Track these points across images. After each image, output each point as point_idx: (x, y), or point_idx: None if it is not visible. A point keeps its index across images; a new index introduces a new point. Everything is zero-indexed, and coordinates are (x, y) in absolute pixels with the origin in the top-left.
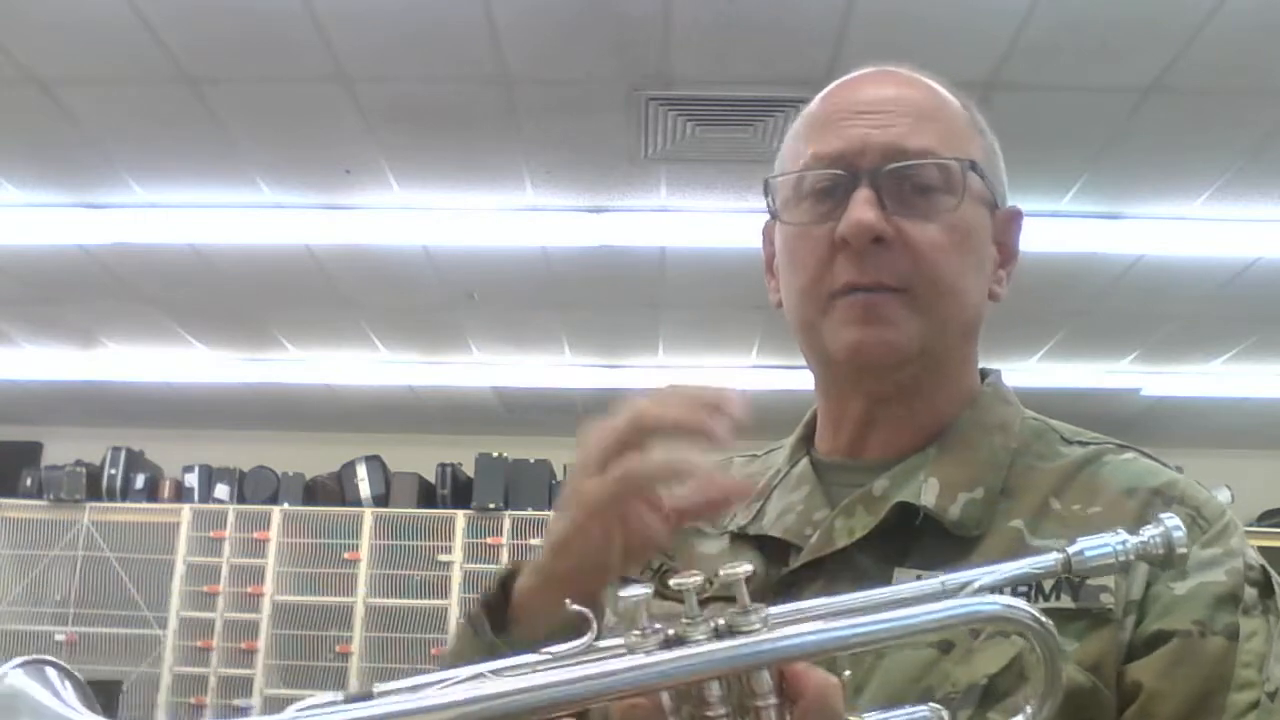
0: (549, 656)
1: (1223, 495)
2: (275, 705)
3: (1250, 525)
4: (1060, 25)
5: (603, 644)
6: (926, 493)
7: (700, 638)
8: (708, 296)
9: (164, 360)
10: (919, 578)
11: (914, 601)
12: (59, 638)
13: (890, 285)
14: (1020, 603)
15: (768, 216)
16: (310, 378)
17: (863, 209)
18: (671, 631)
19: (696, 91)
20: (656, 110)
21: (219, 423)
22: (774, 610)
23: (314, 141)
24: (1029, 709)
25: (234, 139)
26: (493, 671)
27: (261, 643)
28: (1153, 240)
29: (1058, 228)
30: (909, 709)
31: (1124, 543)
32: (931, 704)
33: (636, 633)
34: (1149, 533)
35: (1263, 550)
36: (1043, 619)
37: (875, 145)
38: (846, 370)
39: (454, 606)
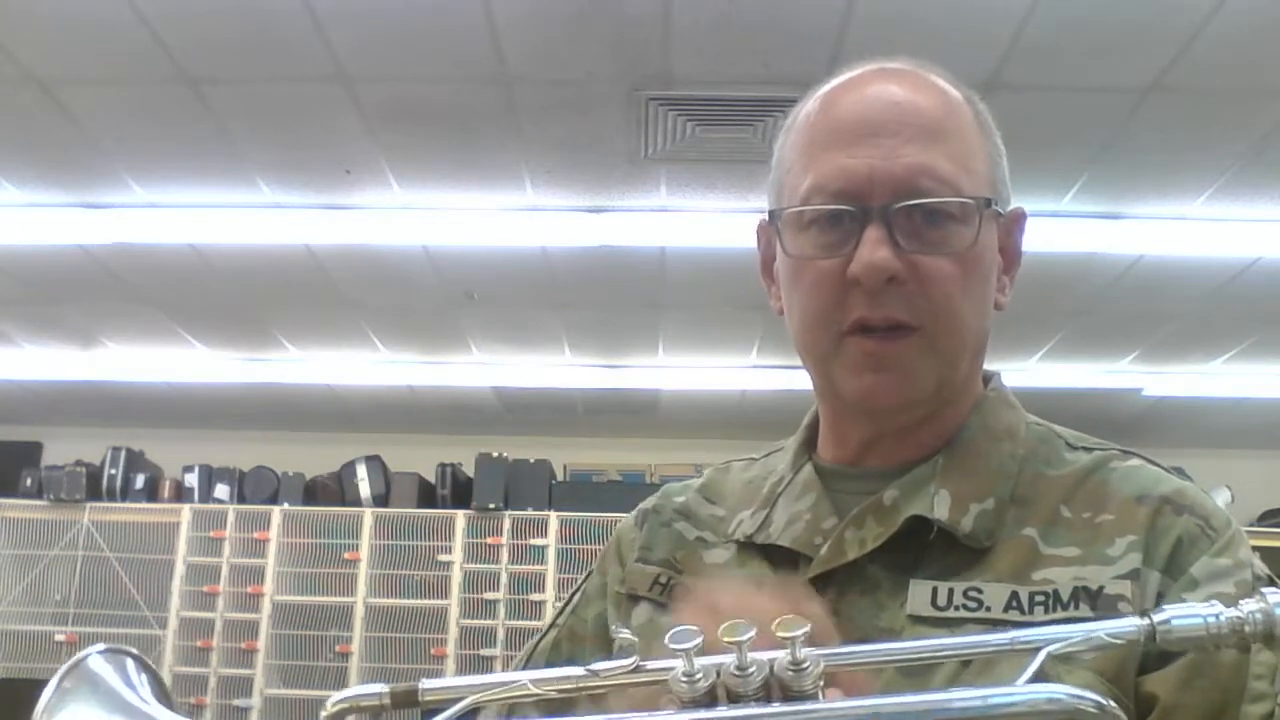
0: (591, 673)
1: (1223, 495)
2: (275, 705)
3: (1250, 525)
4: (1060, 25)
5: (650, 665)
6: (939, 506)
7: (750, 693)
8: (708, 296)
9: (164, 360)
10: (934, 589)
11: (976, 656)
12: (59, 638)
13: (903, 321)
14: (1088, 693)
15: (765, 215)
16: (310, 378)
17: (877, 249)
18: (720, 680)
19: (696, 91)
20: (656, 110)
21: (219, 423)
22: (820, 653)
23: (314, 141)
24: None
25: (234, 139)
26: (533, 681)
27: (261, 643)
28: (1153, 240)
29: (1058, 228)
30: None
31: (1217, 616)
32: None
33: (684, 677)
34: (1248, 607)
35: (1263, 550)
36: (1109, 705)
37: (884, 178)
38: (857, 410)
39: (454, 606)
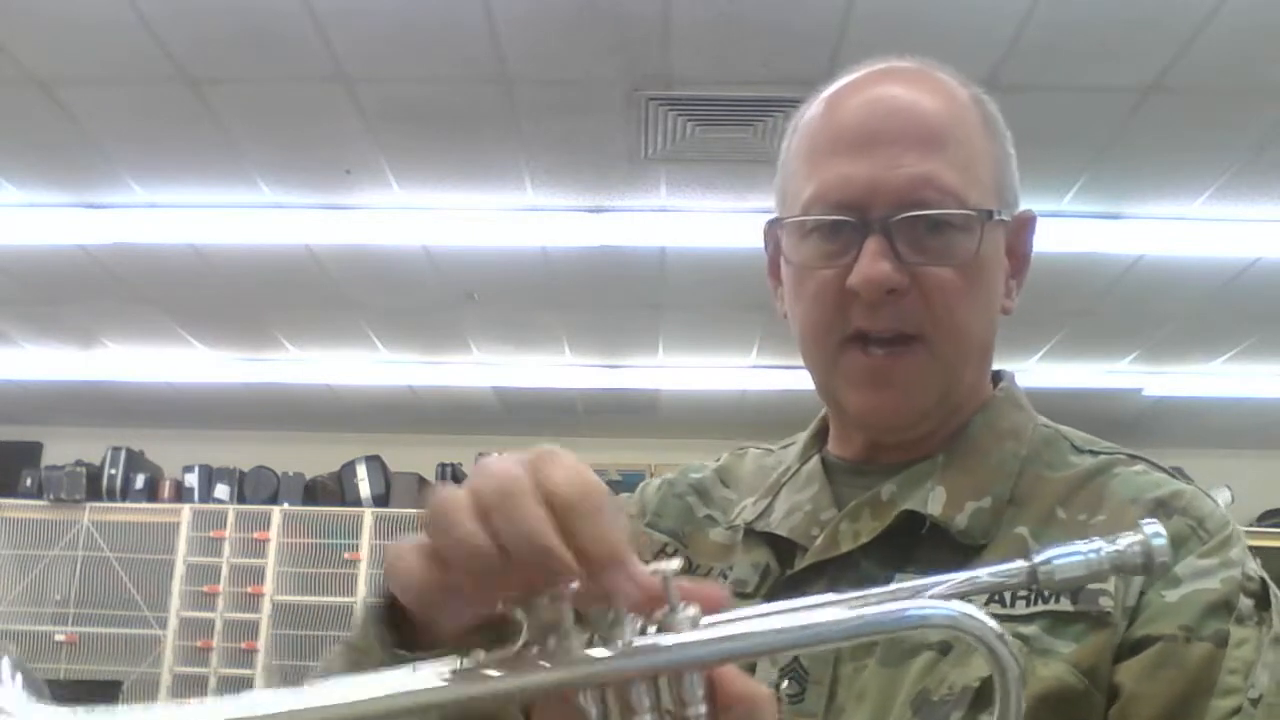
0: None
1: (1223, 495)
2: None
3: (1250, 525)
4: (1060, 25)
5: (533, 650)
6: (933, 502)
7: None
8: (708, 296)
9: (164, 360)
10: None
11: (858, 605)
12: (59, 638)
13: (904, 331)
14: (975, 611)
15: (768, 216)
16: (310, 378)
17: (876, 262)
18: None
19: (696, 91)
20: (656, 110)
21: (219, 423)
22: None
23: (314, 141)
24: None
25: (234, 139)
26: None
27: (261, 643)
28: (1153, 240)
29: (1058, 228)
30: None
31: (1097, 551)
32: None
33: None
34: (1126, 540)
35: (1263, 550)
36: (997, 628)
37: (885, 189)
38: (858, 424)
39: None
